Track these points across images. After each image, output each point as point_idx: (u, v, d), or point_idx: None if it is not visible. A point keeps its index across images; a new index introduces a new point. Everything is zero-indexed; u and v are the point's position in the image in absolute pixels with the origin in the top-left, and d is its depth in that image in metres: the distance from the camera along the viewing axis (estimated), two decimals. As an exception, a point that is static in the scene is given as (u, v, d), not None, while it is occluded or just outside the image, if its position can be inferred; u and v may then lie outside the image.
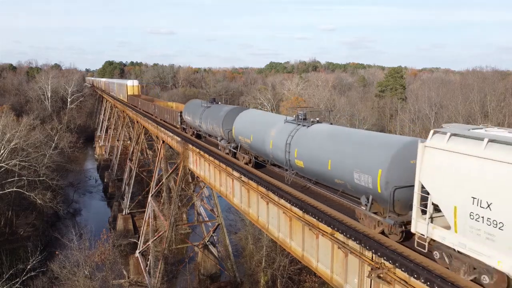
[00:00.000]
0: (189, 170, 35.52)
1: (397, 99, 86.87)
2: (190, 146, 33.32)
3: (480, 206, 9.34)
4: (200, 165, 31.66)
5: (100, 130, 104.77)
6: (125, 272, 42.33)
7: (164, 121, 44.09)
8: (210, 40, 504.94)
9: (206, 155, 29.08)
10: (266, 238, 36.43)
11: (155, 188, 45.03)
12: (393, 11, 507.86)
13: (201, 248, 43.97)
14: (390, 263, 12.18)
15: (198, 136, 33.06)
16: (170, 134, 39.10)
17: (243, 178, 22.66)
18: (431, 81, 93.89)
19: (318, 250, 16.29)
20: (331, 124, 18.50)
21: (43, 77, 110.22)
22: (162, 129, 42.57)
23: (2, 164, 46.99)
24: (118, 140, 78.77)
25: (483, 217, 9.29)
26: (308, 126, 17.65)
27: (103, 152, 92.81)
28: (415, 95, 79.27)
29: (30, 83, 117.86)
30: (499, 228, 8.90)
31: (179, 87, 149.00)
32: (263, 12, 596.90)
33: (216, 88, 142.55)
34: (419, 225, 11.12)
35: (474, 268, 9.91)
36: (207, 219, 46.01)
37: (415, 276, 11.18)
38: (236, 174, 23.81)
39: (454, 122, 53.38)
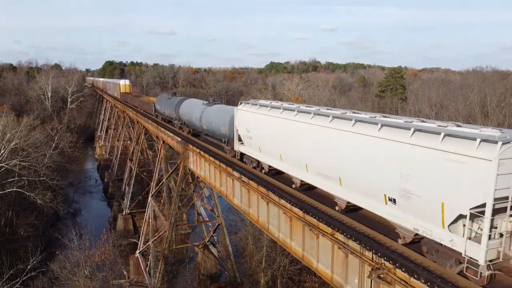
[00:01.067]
0: (189, 170, 35.52)
1: (397, 99, 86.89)
2: (191, 146, 33.34)
3: (249, 133, 21.95)
4: (200, 165, 31.67)
5: (100, 130, 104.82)
6: (125, 272, 42.36)
7: (145, 111, 56.24)
8: (210, 40, 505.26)
9: (207, 155, 29.10)
10: (266, 238, 36.43)
11: (155, 188, 45.04)
12: (393, 11, 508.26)
13: (201, 248, 43.97)
14: (390, 263, 12.18)
15: (164, 120, 46.19)
16: (170, 134, 39.11)
17: (243, 178, 22.67)
18: (431, 81, 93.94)
19: (318, 250, 16.29)
20: (222, 104, 32.65)
21: (43, 77, 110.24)
22: (162, 129, 42.60)
23: (2, 164, 47.01)
24: (118, 140, 78.82)
25: (251, 139, 21.73)
26: (210, 106, 30.52)
27: (103, 152, 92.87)
28: (415, 95, 79.25)
29: (30, 83, 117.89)
30: (257, 144, 21.25)
31: (179, 87, 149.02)
32: (263, 12, 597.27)
33: (216, 88, 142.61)
34: (236, 146, 23.92)
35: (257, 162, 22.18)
36: (207, 219, 46.02)
37: (416, 276, 11.19)
38: (236, 174, 23.82)
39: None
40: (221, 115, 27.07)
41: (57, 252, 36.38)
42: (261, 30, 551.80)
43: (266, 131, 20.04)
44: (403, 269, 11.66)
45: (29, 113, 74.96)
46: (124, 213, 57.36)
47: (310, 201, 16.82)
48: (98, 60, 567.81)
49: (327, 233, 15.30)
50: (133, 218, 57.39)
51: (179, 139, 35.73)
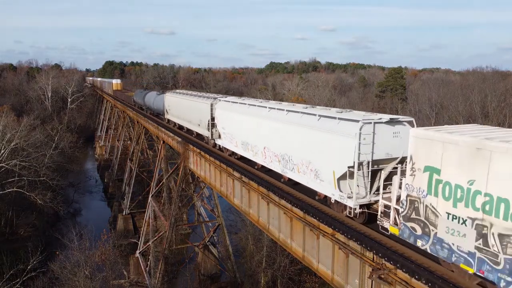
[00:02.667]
0: (190, 170, 35.51)
1: (397, 100, 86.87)
2: (191, 146, 33.33)
3: (169, 108, 42.43)
4: (200, 166, 31.66)
5: (100, 130, 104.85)
6: (125, 272, 42.35)
7: (128, 102, 72.28)
8: (211, 40, 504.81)
9: (207, 156, 29.09)
10: (266, 239, 36.43)
11: (156, 188, 45.04)
12: (393, 11, 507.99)
13: (201, 248, 43.95)
14: (391, 263, 12.18)
15: (138, 107, 63.04)
16: (171, 134, 39.10)
17: (244, 178, 22.66)
18: (431, 82, 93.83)
19: (319, 251, 16.28)
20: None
21: (44, 77, 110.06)
22: (163, 129, 42.61)
23: (3, 164, 47.00)
24: (118, 140, 78.86)
25: (170, 110, 42.34)
26: (160, 95, 48.67)
27: (103, 152, 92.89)
28: (416, 95, 79.24)
29: (31, 83, 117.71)
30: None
31: (179, 87, 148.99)
32: (263, 12, 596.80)
33: (216, 88, 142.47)
34: (166, 116, 43.29)
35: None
36: (208, 219, 46.01)
37: (417, 277, 11.18)
38: (236, 174, 23.80)
39: (455, 123, 53.39)
40: (160, 99, 47.72)
41: (57, 252, 36.40)
42: (261, 30, 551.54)
43: (176, 104, 40.07)
44: (404, 270, 11.66)
45: (29, 113, 74.98)
46: (124, 213, 57.35)
47: (311, 201, 16.82)
48: (98, 60, 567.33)
49: (327, 233, 15.30)
50: (133, 218, 57.38)
51: (179, 139, 35.73)
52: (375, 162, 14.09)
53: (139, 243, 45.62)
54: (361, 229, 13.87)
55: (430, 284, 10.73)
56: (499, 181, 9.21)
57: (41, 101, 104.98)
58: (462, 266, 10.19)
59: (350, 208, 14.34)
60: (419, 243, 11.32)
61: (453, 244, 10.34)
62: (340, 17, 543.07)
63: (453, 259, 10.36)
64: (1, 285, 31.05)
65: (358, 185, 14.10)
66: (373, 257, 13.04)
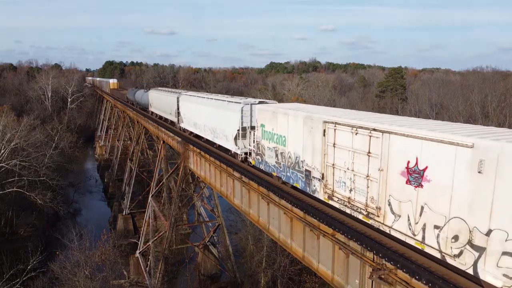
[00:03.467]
0: (190, 170, 35.50)
1: (397, 100, 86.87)
2: (191, 146, 33.31)
3: (152, 102, 52.31)
4: (200, 166, 31.65)
5: (100, 130, 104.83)
6: (125, 273, 42.32)
7: (123, 99, 79.81)
8: (211, 40, 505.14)
9: (207, 156, 29.07)
10: (266, 239, 36.41)
11: (156, 188, 45.01)
12: (393, 11, 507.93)
13: (201, 248, 43.94)
14: (391, 264, 12.16)
15: (132, 104, 69.57)
16: (171, 134, 39.10)
17: (244, 178, 22.65)
18: (431, 82, 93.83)
19: (319, 251, 16.27)
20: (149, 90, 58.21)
21: (44, 77, 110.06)
22: (163, 129, 42.59)
23: (3, 164, 46.99)
24: (118, 140, 78.84)
25: (153, 104, 52.11)
26: (146, 92, 58.77)
27: (103, 152, 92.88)
28: (416, 95, 79.23)
29: (31, 83, 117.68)
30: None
31: (179, 87, 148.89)
32: (263, 12, 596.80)
33: (216, 88, 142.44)
34: (150, 108, 53.61)
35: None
36: (208, 219, 45.99)
37: (417, 277, 11.17)
38: (236, 174, 23.79)
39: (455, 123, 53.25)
40: (146, 95, 57.09)
41: (57, 252, 36.40)
42: (261, 30, 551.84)
43: (156, 99, 49.79)
44: (404, 270, 11.64)
45: (29, 113, 74.95)
46: (124, 213, 57.32)
47: (311, 202, 16.81)
48: (98, 60, 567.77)
49: (327, 233, 15.28)
50: (133, 218, 57.35)
51: (179, 139, 35.73)
52: (251, 127, 22.96)
53: (139, 243, 45.61)
54: (361, 229, 13.86)
55: (430, 285, 10.71)
56: (282, 127, 18.40)
57: (41, 101, 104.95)
58: (274, 174, 19.70)
59: (238, 155, 24.24)
60: (261, 166, 20.93)
61: (269, 162, 19.96)
62: (340, 17, 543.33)
63: (270, 170, 20.01)
64: (1, 285, 31.05)
65: (242, 142, 23.90)
66: (374, 257, 13.03)
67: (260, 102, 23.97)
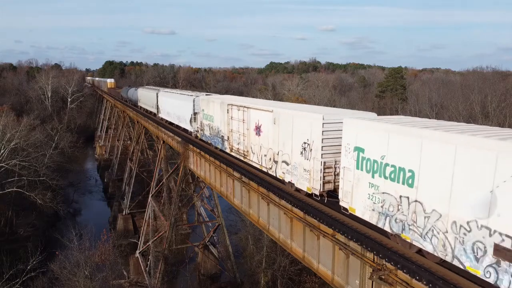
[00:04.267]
0: (190, 170, 35.48)
1: (397, 100, 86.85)
2: (191, 146, 33.30)
3: (141, 98, 60.78)
4: (200, 166, 31.63)
5: (100, 130, 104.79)
6: (125, 273, 42.30)
7: (118, 97, 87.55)
8: (211, 40, 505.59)
9: (207, 156, 29.04)
10: (266, 239, 36.39)
11: (156, 188, 44.99)
12: (393, 11, 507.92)
13: (201, 248, 43.93)
14: (392, 264, 12.14)
15: (125, 100, 76.87)
16: (171, 134, 39.08)
17: (244, 178, 22.62)
18: (431, 82, 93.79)
19: (319, 251, 16.25)
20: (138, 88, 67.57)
21: (43, 77, 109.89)
22: (163, 129, 42.58)
23: (2, 164, 46.95)
24: (118, 140, 78.84)
25: (141, 100, 61.05)
26: (136, 90, 66.13)
27: (103, 152, 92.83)
28: (416, 95, 79.14)
29: (30, 83, 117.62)
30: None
31: (179, 87, 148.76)
32: (263, 12, 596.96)
33: (216, 88, 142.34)
34: (139, 103, 62.56)
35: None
36: (208, 219, 45.99)
37: (417, 278, 11.15)
38: (236, 174, 23.77)
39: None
40: (136, 93, 64.29)
41: (57, 252, 36.29)
42: (261, 30, 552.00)
43: (143, 95, 59.03)
44: (404, 270, 11.62)
45: (29, 113, 74.81)
46: (124, 213, 57.29)
47: (311, 202, 16.78)
48: (98, 60, 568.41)
49: (328, 234, 15.26)
50: (133, 218, 57.31)
51: (179, 139, 35.71)
52: (198, 112, 31.28)
53: (139, 243, 45.58)
54: (361, 229, 13.84)
55: (431, 285, 10.69)
56: (212, 110, 27.51)
57: (41, 101, 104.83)
58: (208, 142, 28.53)
59: (192, 132, 32.86)
60: (203, 138, 29.70)
61: (206, 134, 28.83)
62: (340, 17, 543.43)
63: (206, 139, 28.76)
64: (1, 285, 31.01)
65: (196, 123, 31.60)
66: (374, 258, 13.01)
67: (207, 95, 33.26)
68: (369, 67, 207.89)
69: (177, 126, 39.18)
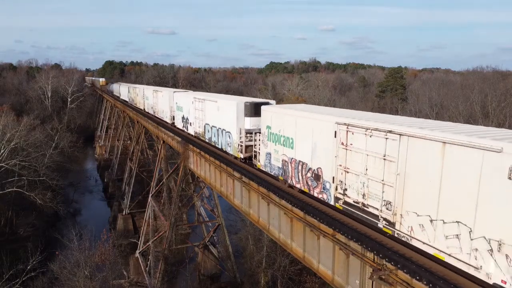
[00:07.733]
0: (190, 170, 35.46)
1: (397, 100, 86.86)
2: (191, 146, 33.27)
3: (130, 95, 70.28)
4: (200, 166, 31.61)
5: (100, 130, 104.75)
6: (125, 273, 42.28)
7: (107, 92, 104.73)
8: (211, 40, 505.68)
9: (207, 155, 29.03)
10: (266, 239, 36.38)
11: (156, 188, 44.97)
12: (393, 11, 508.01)
13: (201, 248, 43.91)
14: (392, 264, 12.13)
15: (113, 95, 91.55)
16: (171, 134, 39.07)
17: (244, 178, 22.61)
18: (431, 82, 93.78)
19: (319, 251, 16.24)
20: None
21: (43, 76, 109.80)
22: (163, 129, 42.57)
23: (2, 164, 46.94)
24: (118, 140, 78.82)
25: (135, 99, 66.51)
26: (119, 85, 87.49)
27: (103, 152, 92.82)
28: (416, 95, 79.13)
29: (30, 83, 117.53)
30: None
31: (179, 87, 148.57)
32: (263, 12, 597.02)
33: (216, 88, 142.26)
34: (126, 97, 75.16)
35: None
36: (208, 219, 45.96)
37: (418, 278, 11.14)
38: (237, 174, 23.75)
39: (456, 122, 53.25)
40: (125, 88, 74.58)
41: (57, 252, 36.28)
42: (261, 30, 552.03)
43: (125, 90, 75.11)
44: (404, 270, 11.62)
45: (29, 113, 74.81)
46: (124, 213, 57.27)
47: (311, 202, 16.78)
48: (98, 60, 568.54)
49: (328, 234, 15.25)
50: (133, 218, 57.29)
51: (179, 139, 35.70)
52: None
53: (139, 243, 45.56)
54: (361, 229, 13.83)
55: (431, 285, 10.69)
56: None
57: (41, 101, 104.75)
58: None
59: (170, 123, 40.31)
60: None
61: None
62: (340, 17, 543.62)
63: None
64: (1, 285, 30.99)
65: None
66: (374, 258, 13.00)
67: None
68: (369, 67, 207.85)
69: (163, 120, 46.21)
